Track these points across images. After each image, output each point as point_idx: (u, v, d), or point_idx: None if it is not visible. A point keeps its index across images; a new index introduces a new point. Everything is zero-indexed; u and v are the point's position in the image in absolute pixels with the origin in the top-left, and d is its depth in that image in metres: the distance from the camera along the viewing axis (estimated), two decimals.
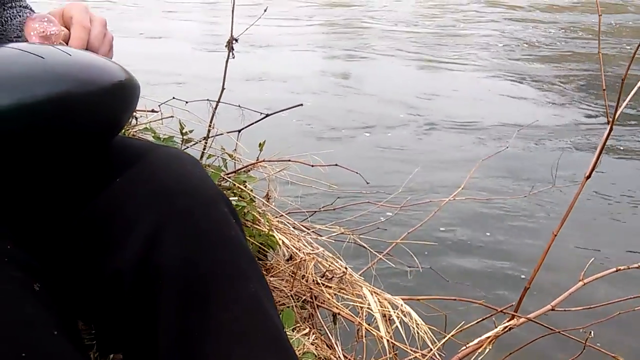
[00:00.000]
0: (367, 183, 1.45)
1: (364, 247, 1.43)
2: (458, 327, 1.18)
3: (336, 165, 1.50)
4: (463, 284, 1.84)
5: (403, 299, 1.28)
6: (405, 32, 6.04)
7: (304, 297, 1.30)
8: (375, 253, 1.43)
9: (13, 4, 1.02)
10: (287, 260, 1.39)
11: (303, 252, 1.35)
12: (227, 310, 0.65)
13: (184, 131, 1.53)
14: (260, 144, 1.60)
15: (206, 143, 1.64)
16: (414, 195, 1.79)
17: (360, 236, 1.46)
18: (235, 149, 1.72)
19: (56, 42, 0.72)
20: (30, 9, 1.04)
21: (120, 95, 0.64)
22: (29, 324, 0.50)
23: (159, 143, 0.77)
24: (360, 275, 1.38)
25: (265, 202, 1.55)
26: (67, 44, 0.74)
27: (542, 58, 5.08)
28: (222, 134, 1.67)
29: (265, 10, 1.63)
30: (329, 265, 1.34)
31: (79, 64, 0.61)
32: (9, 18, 0.98)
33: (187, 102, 1.57)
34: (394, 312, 1.25)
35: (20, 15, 0.98)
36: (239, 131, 1.76)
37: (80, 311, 0.69)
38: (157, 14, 6.40)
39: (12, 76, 0.56)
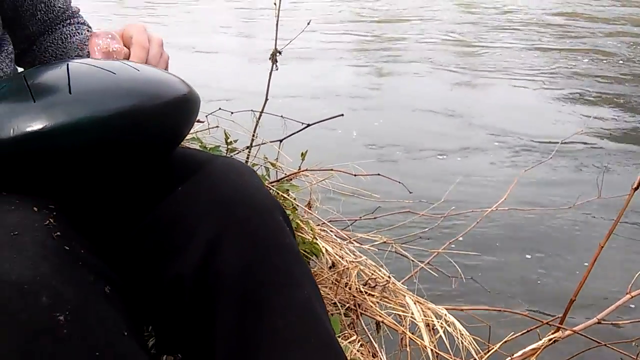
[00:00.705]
0: (410, 193, 1.46)
1: (406, 256, 1.44)
2: (504, 339, 1.18)
3: (378, 174, 1.52)
4: (505, 294, 1.82)
5: (447, 309, 1.28)
6: (442, 42, 6.01)
7: (347, 305, 1.31)
8: (418, 262, 1.43)
9: (71, 20, 1.07)
10: (330, 267, 1.41)
11: (346, 260, 1.36)
12: (282, 316, 0.67)
13: (228, 141, 1.57)
14: (302, 153, 1.62)
15: (249, 152, 1.68)
16: (456, 205, 1.78)
17: (402, 245, 1.46)
18: (277, 158, 1.75)
19: (117, 58, 0.76)
20: (88, 26, 1.09)
21: (183, 108, 0.67)
22: (102, 325, 0.53)
23: (214, 153, 0.80)
24: (402, 283, 1.39)
25: (307, 210, 1.57)
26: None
27: (588, 71, 4.99)
28: (264, 144, 1.71)
29: (308, 24, 1.66)
30: (372, 274, 1.35)
31: (147, 79, 0.65)
32: (68, 35, 1.02)
33: (232, 113, 1.61)
34: (438, 322, 1.25)
35: (79, 33, 1.03)
36: (281, 141, 1.80)
37: (141, 314, 0.72)
38: (199, 29, 6.53)
39: (86, 90, 0.59)
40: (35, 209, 0.57)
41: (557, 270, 2.06)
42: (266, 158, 1.69)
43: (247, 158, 1.66)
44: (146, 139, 0.64)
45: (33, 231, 0.54)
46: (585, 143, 3.25)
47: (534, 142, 3.33)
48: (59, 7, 1.04)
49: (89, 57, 0.93)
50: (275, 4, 1.52)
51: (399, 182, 1.49)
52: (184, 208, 0.70)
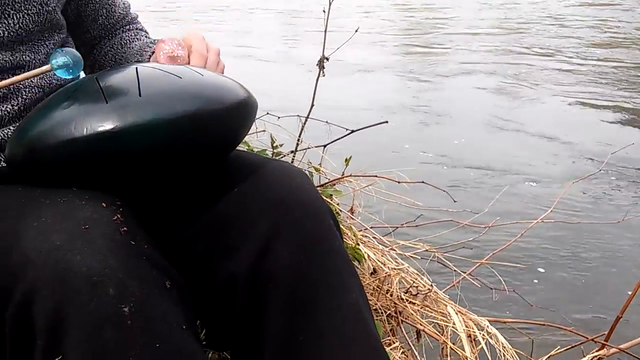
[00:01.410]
0: (455, 202, 1.45)
1: (449, 265, 1.43)
2: (547, 354, 1.16)
3: (422, 182, 1.51)
4: (548, 309, 1.79)
5: (489, 320, 1.27)
6: (484, 50, 5.94)
7: (388, 312, 1.31)
8: (460, 272, 1.42)
9: (130, 26, 1.11)
10: (371, 273, 1.41)
11: (388, 267, 1.36)
12: (331, 317, 0.69)
13: (274, 145, 1.60)
14: (346, 159, 1.64)
15: (294, 156, 1.70)
16: (501, 215, 1.76)
17: (445, 254, 1.46)
18: (320, 163, 1.77)
19: (181, 63, 0.79)
20: (145, 32, 1.13)
21: (242, 112, 0.70)
22: (163, 318, 0.55)
23: (266, 157, 0.82)
24: (443, 293, 1.38)
25: (350, 216, 1.58)
26: None
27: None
28: (309, 148, 1.73)
29: (356, 31, 1.68)
30: (413, 282, 1.35)
31: (210, 83, 0.67)
32: (128, 40, 1.06)
33: (279, 118, 1.64)
34: (480, 333, 1.24)
35: (138, 39, 1.07)
36: (325, 146, 1.81)
37: (194, 310, 0.74)
38: (247, 36, 6.63)
39: (155, 93, 0.62)
40: (104, 204, 0.60)
41: (603, 286, 2.01)
42: (310, 163, 1.71)
43: (292, 162, 1.68)
44: (208, 141, 0.67)
45: (102, 226, 0.57)
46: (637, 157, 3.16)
47: (584, 153, 3.26)
48: (120, 13, 1.08)
49: (149, 62, 0.97)
50: (324, 11, 1.55)
51: (444, 191, 1.48)
52: (238, 209, 0.72)
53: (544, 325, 1.31)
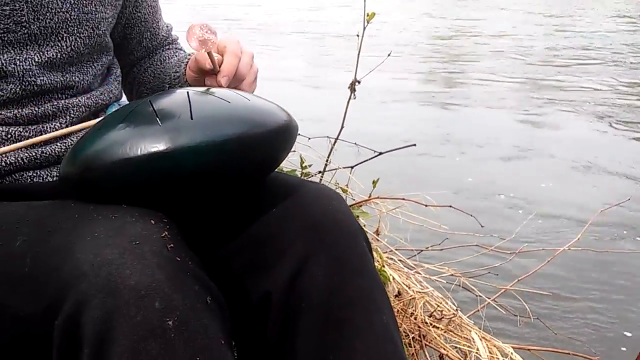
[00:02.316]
0: (482, 227, 1.46)
1: (473, 291, 1.43)
2: None
3: (450, 206, 1.53)
4: (572, 338, 1.77)
5: (513, 347, 1.27)
6: (503, 81, 5.94)
7: (412, 335, 1.32)
8: (485, 297, 1.43)
9: (170, 46, 1.16)
10: (396, 296, 1.42)
11: (412, 290, 1.38)
12: (362, 338, 0.70)
13: (304, 165, 1.63)
14: (374, 181, 1.66)
15: (322, 177, 1.73)
16: (528, 241, 1.76)
17: (470, 279, 1.46)
18: (347, 184, 1.79)
19: (212, 48, 0.81)
20: (184, 51, 1.17)
21: (285, 136, 0.73)
22: (204, 332, 0.58)
23: (303, 178, 0.85)
24: (467, 318, 1.38)
25: (376, 237, 1.60)
26: (219, 67, 0.84)
27: None
28: (337, 169, 1.75)
29: (389, 55, 1.71)
30: (438, 305, 1.36)
31: (256, 107, 0.71)
32: (167, 57, 1.11)
33: (309, 139, 1.67)
34: None
35: (176, 55, 1.11)
36: (352, 167, 1.84)
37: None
38: (270, 56, 6.73)
39: (205, 116, 0.65)
40: (153, 221, 0.63)
41: (629, 317, 1.98)
42: (337, 183, 1.74)
43: (320, 182, 1.71)
44: (252, 163, 0.70)
45: (151, 242, 0.60)
46: None
47: (613, 179, 3.23)
48: (162, 35, 1.13)
49: (185, 70, 1.00)
50: (357, 35, 1.58)
51: (471, 215, 1.49)
52: (275, 229, 0.74)
53: (569, 354, 1.31)
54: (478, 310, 1.44)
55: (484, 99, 4.83)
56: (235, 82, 0.85)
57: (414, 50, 6.94)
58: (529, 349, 1.32)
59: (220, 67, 0.84)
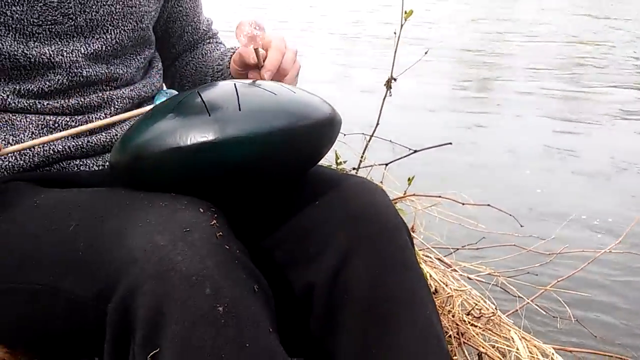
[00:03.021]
0: (521, 226, 1.43)
1: (512, 291, 1.41)
2: None
3: (488, 205, 1.50)
4: (612, 341, 1.73)
5: (554, 348, 1.24)
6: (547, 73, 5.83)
7: (449, 333, 1.30)
8: (523, 297, 1.40)
9: (211, 40, 1.17)
10: (432, 293, 1.40)
11: (450, 288, 1.36)
12: (405, 331, 0.70)
13: (338, 161, 1.62)
14: (409, 178, 1.64)
15: (357, 173, 1.72)
16: (569, 242, 1.72)
17: (508, 279, 1.43)
18: (382, 181, 1.78)
19: (259, 44, 0.82)
20: (224, 45, 1.18)
21: (329, 129, 0.73)
22: (252, 320, 0.58)
23: (346, 173, 0.85)
24: (506, 317, 1.36)
25: (412, 235, 1.58)
26: (264, 61, 0.85)
27: None
28: (372, 166, 1.74)
29: (426, 53, 1.70)
30: (476, 304, 1.34)
31: (301, 100, 0.71)
32: (208, 51, 1.12)
33: (344, 135, 1.66)
34: None
35: (217, 49, 1.12)
36: (387, 164, 1.83)
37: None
38: (302, 53, 6.73)
39: (252, 108, 0.66)
40: (201, 210, 0.63)
41: None
42: (372, 180, 1.73)
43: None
44: (296, 155, 0.70)
45: (201, 229, 0.60)
46: None
47: None
48: (203, 29, 1.14)
49: (228, 64, 1.01)
50: (395, 33, 1.57)
51: (510, 215, 1.47)
52: (319, 221, 0.74)
53: (611, 356, 1.27)
54: (517, 311, 1.42)
55: (522, 104, 4.75)
56: (278, 77, 0.85)
57: (454, 53, 6.87)
58: (570, 351, 1.29)
59: (264, 62, 0.84)
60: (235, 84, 0.70)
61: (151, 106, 0.74)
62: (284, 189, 0.78)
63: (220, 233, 0.61)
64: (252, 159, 0.65)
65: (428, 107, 4.48)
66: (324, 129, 0.71)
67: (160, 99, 0.73)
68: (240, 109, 0.65)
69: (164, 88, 1.09)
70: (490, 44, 7.49)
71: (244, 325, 0.57)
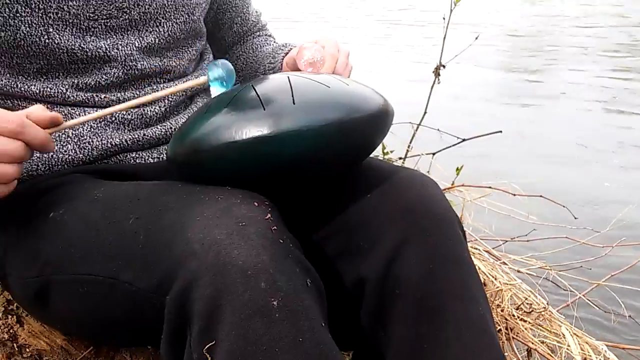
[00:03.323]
0: (575, 218, 1.39)
1: (565, 285, 1.37)
2: None
3: (541, 196, 1.46)
4: None
5: (607, 345, 1.20)
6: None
7: (498, 328, 1.28)
8: (575, 291, 1.36)
9: (260, 32, 1.17)
10: None
11: (499, 282, 1.33)
12: (457, 328, 0.69)
13: (385, 151, 1.61)
14: (457, 168, 1.62)
15: (403, 163, 1.71)
16: (626, 235, 1.66)
17: (560, 272, 1.40)
18: (428, 171, 1.76)
19: (320, 68, 0.83)
20: (273, 37, 1.18)
21: (381, 121, 0.72)
22: (306, 314, 0.58)
23: (398, 165, 0.84)
24: (557, 312, 1.33)
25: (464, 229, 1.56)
26: (319, 69, 0.85)
27: None
28: (419, 155, 1.73)
29: (476, 38, 1.66)
30: (526, 299, 1.31)
31: (354, 93, 0.70)
32: (259, 45, 1.12)
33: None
34: (597, 358, 1.18)
35: (268, 44, 1.12)
36: (434, 154, 1.80)
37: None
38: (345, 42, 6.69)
39: (306, 101, 0.66)
40: (256, 204, 0.64)
41: None
42: (418, 169, 1.71)
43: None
44: (350, 147, 0.70)
45: (257, 224, 0.61)
46: None
47: None
48: (252, 20, 1.15)
49: (280, 64, 1.02)
50: (443, 18, 1.54)
51: (563, 206, 1.42)
52: (370, 214, 0.74)
53: None
54: (568, 305, 1.38)
55: (572, 94, 4.59)
56: None
57: (505, 37, 6.69)
58: (623, 348, 1.25)
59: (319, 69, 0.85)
60: (289, 77, 0.70)
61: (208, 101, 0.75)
62: (336, 181, 0.78)
63: (275, 227, 0.62)
64: (306, 152, 0.65)
65: (478, 95, 4.38)
66: (377, 121, 0.71)
67: (212, 70, 0.74)
68: (294, 103, 0.65)
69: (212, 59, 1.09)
70: (544, 27, 7.25)
71: (297, 319, 0.57)
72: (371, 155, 0.81)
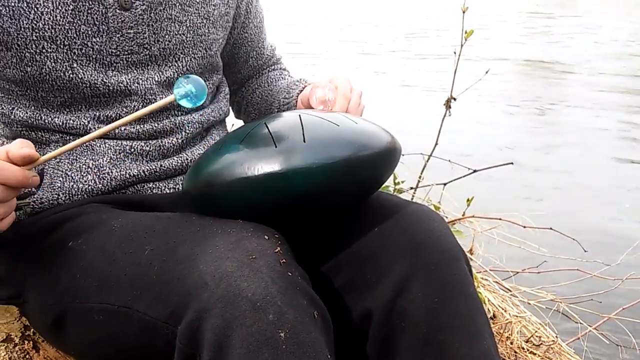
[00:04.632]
0: (585, 251, 1.40)
1: (575, 318, 1.37)
2: None
3: (550, 228, 1.47)
4: None
5: None
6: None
7: None
8: (586, 325, 1.36)
9: (275, 66, 1.20)
10: (491, 318, 1.39)
11: (509, 314, 1.34)
12: None
13: (396, 181, 1.63)
14: (468, 199, 1.63)
15: (414, 193, 1.73)
16: (635, 269, 1.65)
17: (570, 305, 1.40)
18: (439, 201, 1.77)
19: (332, 107, 0.86)
20: (288, 71, 1.21)
21: (390, 158, 0.75)
22: (312, 346, 0.60)
23: (405, 199, 0.86)
24: (567, 345, 1.33)
25: (470, 257, 1.57)
26: (331, 109, 0.88)
27: None
28: (430, 186, 1.74)
29: (486, 72, 1.69)
30: (536, 331, 1.31)
31: (362, 131, 0.73)
32: (274, 79, 1.15)
33: (403, 155, 1.67)
34: None
35: (283, 78, 1.15)
36: (445, 184, 1.82)
37: None
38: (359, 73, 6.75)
39: (316, 139, 0.69)
40: (266, 237, 0.66)
41: None
42: (430, 200, 1.73)
43: (412, 199, 1.71)
44: (358, 183, 0.72)
45: (266, 257, 0.63)
46: None
47: None
48: (267, 54, 1.18)
49: (295, 101, 1.05)
50: (454, 52, 1.57)
51: (573, 239, 1.43)
52: (378, 248, 0.76)
53: None
54: (578, 338, 1.38)
55: (587, 125, 4.59)
56: None
57: (515, 68, 6.72)
58: None
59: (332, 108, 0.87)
60: (300, 116, 0.73)
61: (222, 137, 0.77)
62: (345, 215, 0.80)
63: (284, 260, 0.64)
64: (316, 188, 0.68)
65: (489, 126, 4.40)
66: (384, 158, 0.74)
67: (179, 87, 0.70)
68: (304, 141, 0.68)
69: (231, 112, 1.12)
70: (552, 56, 7.28)
71: (304, 351, 0.59)
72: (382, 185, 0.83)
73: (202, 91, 0.71)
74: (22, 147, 0.68)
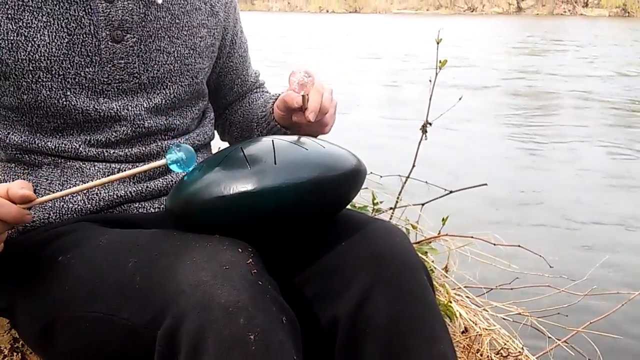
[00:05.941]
0: (551, 267, 1.47)
1: (542, 331, 1.43)
2: None
3: (519, 246, 1.54)
4: None
5: None
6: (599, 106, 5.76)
7: None
8: (555, 339, 1.42)
9: (257, 90, 1.27)
10: (462, 332, 1.45)
11: (479, 327, 1.40)
12: None
13: (375, 202, 1.71)
14: (443, 218, 1.71)
15: (393, 213, 1.80)
16: (600, 284, 1.72)
17: (539, 319, 1.46)
18: (417, 221, 1.84)
19: (311, 87, 0.90)
20: (269, 92, 1.28)
21: (355, 178, 0.82)
22: (280, 347, 0.66)
23: (362, 212, 0.93)
24: (536, 359, 1.39)
25: (444, 274, 1.64)
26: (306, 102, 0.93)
27: None
28: (407, 206, 1.82)
29: (460, 99, 1.77)
30: (505, 344, 1.37)
31: (329, 154, 0.81)
32: (254, 99, 1.21)
33: (381, 177, 1.75)
34: None
35: (262, 97, 1.22)
36: (422, 204, 1.89)
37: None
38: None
39: (286, 161, 0.76)
40: (240, 250, 0.73)
41: None
42: (407, 220, 1.80)
43: (390, 218, 1.78)
44: (325, 202, 0.80)
45: (239, 268, 0.70)
46: None
47: None
48: (251, 81, 1.24)
49: (271, 111, 1.09)
50: (430, 80, 1.66)
51: (540, 256, 1.50)
52: (344, 260, 0.82)
53: None
54: (547, 352, 1.44)
55: (564, 140, 4.72)
56: (320, 115, 0.94)
57: (494, 90, 6.87)
58: None
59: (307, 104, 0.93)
60: (272, 141, 0.80)
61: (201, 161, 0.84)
62: (315, 230, 0.87)
63: (255, 270, 0.71)
64: (286, 206, 0.75)
65: (465, 147, 4.51)
66: (350, 178, 0.81)
67: (171, 153, 0.80)
68: (276, 163, 0.76)
69: (216, 135, 1.19)
70: (531, 77, 7.44)
71: (271, 352, 0.65)
72: (363, 205, 0.89)
73: (191, 158, 0.80)
74: (21, 187, 0.76)
